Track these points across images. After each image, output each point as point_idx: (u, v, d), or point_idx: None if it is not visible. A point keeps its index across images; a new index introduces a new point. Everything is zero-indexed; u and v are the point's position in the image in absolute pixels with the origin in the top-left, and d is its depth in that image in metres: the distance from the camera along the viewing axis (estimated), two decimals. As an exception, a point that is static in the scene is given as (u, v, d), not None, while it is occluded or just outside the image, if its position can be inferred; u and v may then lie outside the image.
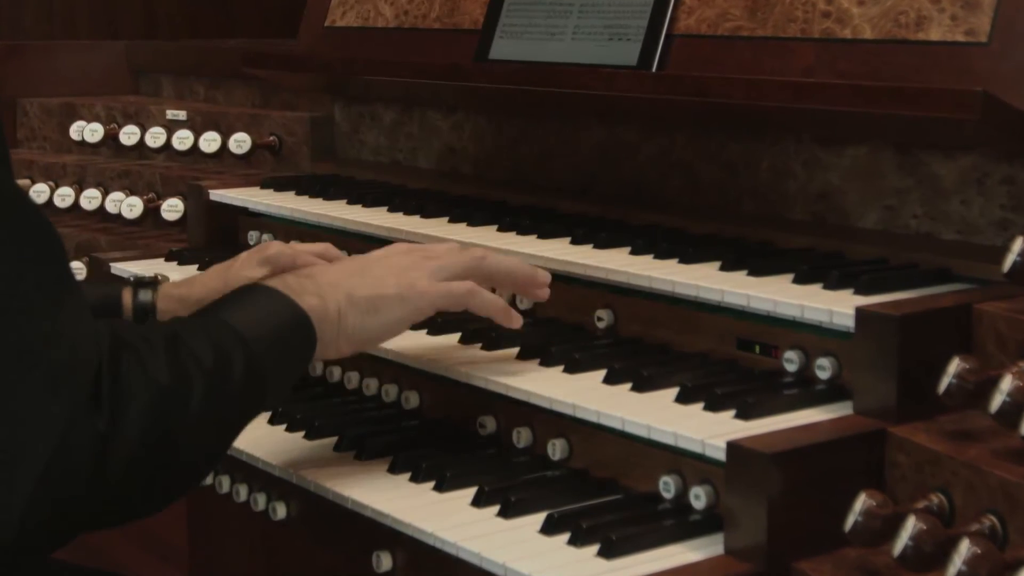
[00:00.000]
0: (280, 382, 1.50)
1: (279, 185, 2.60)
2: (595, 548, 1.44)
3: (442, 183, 2.52)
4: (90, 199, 3.09)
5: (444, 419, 1.87)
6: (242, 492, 1.83)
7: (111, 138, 3.27)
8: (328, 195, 2.47)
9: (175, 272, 2.41)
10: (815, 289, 1.69)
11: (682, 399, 1.60)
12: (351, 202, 2.40)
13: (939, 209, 1.88)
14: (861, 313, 1.55)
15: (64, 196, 3.12)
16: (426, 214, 2.24)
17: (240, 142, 3.01)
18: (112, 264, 2.52)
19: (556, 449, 1.70)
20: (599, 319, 1.89)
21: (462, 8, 2.50)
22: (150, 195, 3.02)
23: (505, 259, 1.74)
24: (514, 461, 1.71)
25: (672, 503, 1.56)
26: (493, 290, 1.77)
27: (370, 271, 1.63)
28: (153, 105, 3.32)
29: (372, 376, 1.98)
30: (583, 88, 2.15)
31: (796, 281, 1.72)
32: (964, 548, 1.22)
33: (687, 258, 1.85)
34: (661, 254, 1.88)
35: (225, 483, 1.86)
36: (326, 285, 1.57)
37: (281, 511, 1.78)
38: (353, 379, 2.01)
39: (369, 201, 2.38)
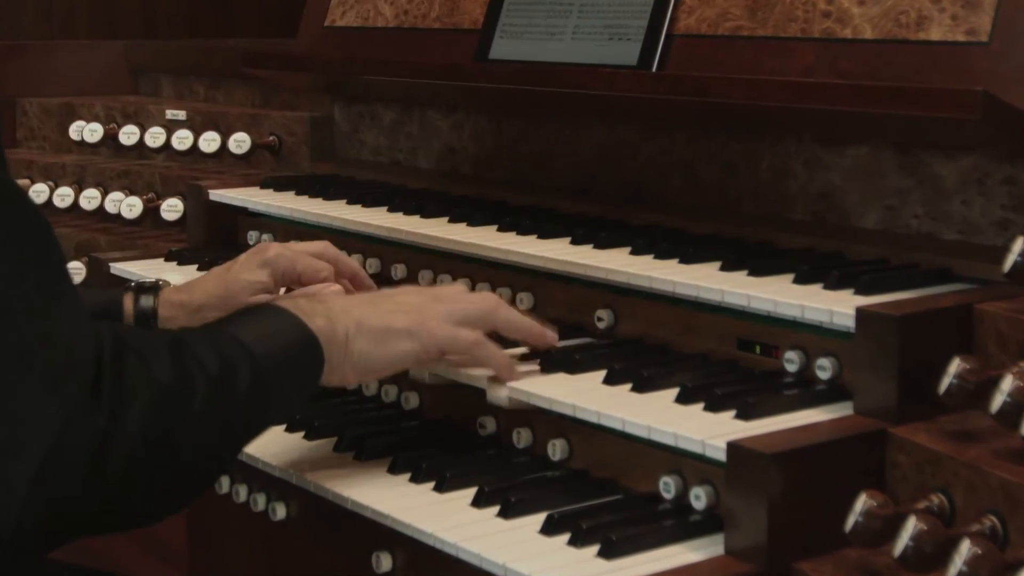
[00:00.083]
0: (285, 400, 1.50)
1: (279, 185, 2.60)
2: (595, 548, 1.44)
3: (442, 183, 2.52)
4: (89, 199, 3.09)
5: (444, 419, 1.87)
6: (242, 492, 1.83)
7: (110, 138, 3.27)
8: (328, 195, 2.46)
9: (175, 272, 2.41)
10: (815, 289, 1.69)
11: (682, 399, 1.60)
12: (351, 202, 2.40)
13: (940, 209, 1.88)
14: (862, 313, 1.55)
15: (63, 196, 3.12)
16: (426, 214, 2.24)
17: (240, 142, 3.00)
18: (112, 264, 2.52)
19: (556, 449, 1.70)
20: (599, 319, 1.89)
21: (462, 8, 2.50)
22: (150, 195, 3.02)
23: (516, 315, 1.72)
24: (514, 461, 1.71)
25: (672, 503, 1.55)
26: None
27: (381, 304, 1.63)
28: (153, 105, 3.31)
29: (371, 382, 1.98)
30: (583, 88, 2.15)
31: (796, 281, 1.72)
32: (965, 548, 1.22)
33: (687, 258, 1.85)
34: (661, 254, 1.88)
35: (225, 483, 1.86)
36: (337, 311, 1.57)
37: (281, 511, 1.78)
38: (352, 385, 2.01)
39: (369, 201, 2.37)
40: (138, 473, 1.27)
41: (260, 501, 1.80)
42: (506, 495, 1.56)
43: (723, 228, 2.03)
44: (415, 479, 1.65)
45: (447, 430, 1.83)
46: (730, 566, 1.42)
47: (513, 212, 2.20)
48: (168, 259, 2.50)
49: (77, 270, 2.85)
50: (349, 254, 2.28)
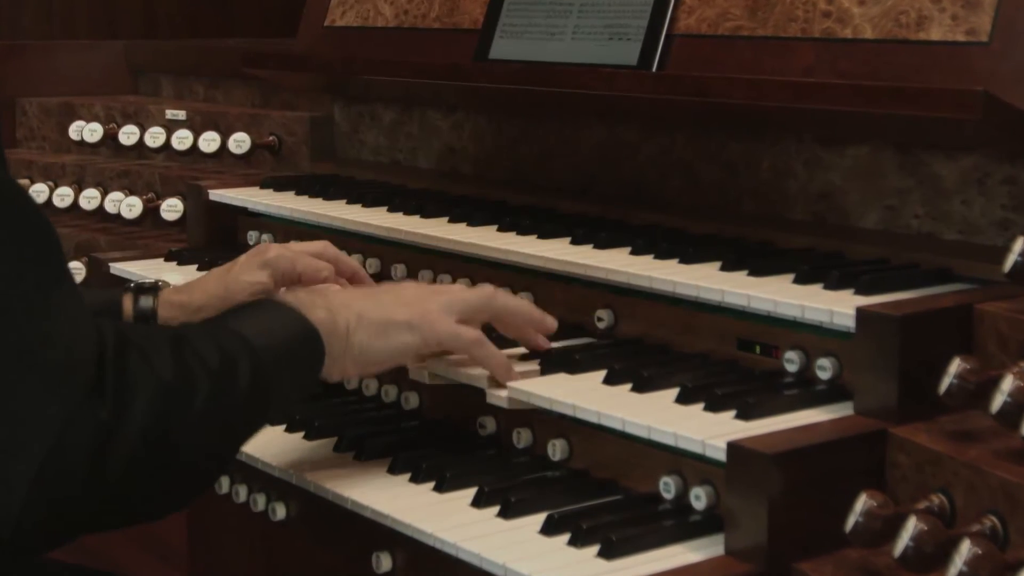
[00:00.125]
0: (286, 393, 1.50)
1: (279, 185, 2.60)
2: (595, 549, 1.44)
3: (442, 183, 2.52)
4: (89, 199, 3.09)
5: (444, 419, 1.87)
6: (242, 492, 1.83)
7: (110, 138, 3.27)
8: (328, 195, 2.46)
9: (175, 272, 2.41)
10: (816, 289, 1.68)
11: (682, 399, 1.60)
12: (351, 202, 2.40)
13: (940, 209, 1.88)
14: (862, 313, 1.55)
15: (63, 196, 3.12)
16: (426, 214, 2.24)
17: (239, 142, 3.00)
18: (111, 264, 2.52)
19: (556, 449, 1.70)
20: (599, 319, 1.89)
21: (462, 8, 2.50)
22: (149, 195, 3.02)
23: (515, 299, 1.74)
24: (514, 461, 1.71)
25: (672, 504, 1.55)
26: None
27: (381, 297, 1.64)
28: (152, 105, 3.31)
29: (372, 377, 1.98)
30: (583, 88, 2.15)
31: (797, 281, 1.72)
32: (965, 549, 1.22)
33: (687, 258, 1.85)
34: (661, 254, 1.88)
35: (225, 483, 1.86)
36: (337, 304, 1.57)
37: (281, 511, 1.78)
38: (353, 380, 2.01)
39: (369, 201, 2.37)
40: (140, 470, 1.27)
41: (260, 501, 1.80)
42: (506, 495, 1.55)
43: (723, 228, 2.03)
44: (415, 479, 1.65)
45: (447, 430, 1.83)
46: (730, 566, 1.42)
47: (513, 212, 2.20)
48: (168, 259, 2.50)
49: (77, 270, 2.84)
50: (349, 254, 2.28)
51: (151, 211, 2.99)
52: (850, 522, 1.32)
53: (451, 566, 1.48)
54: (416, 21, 2.60)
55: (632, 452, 1.62)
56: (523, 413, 1.72)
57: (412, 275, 2.17)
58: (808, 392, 1.60)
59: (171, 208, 2.95)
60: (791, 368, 1.66)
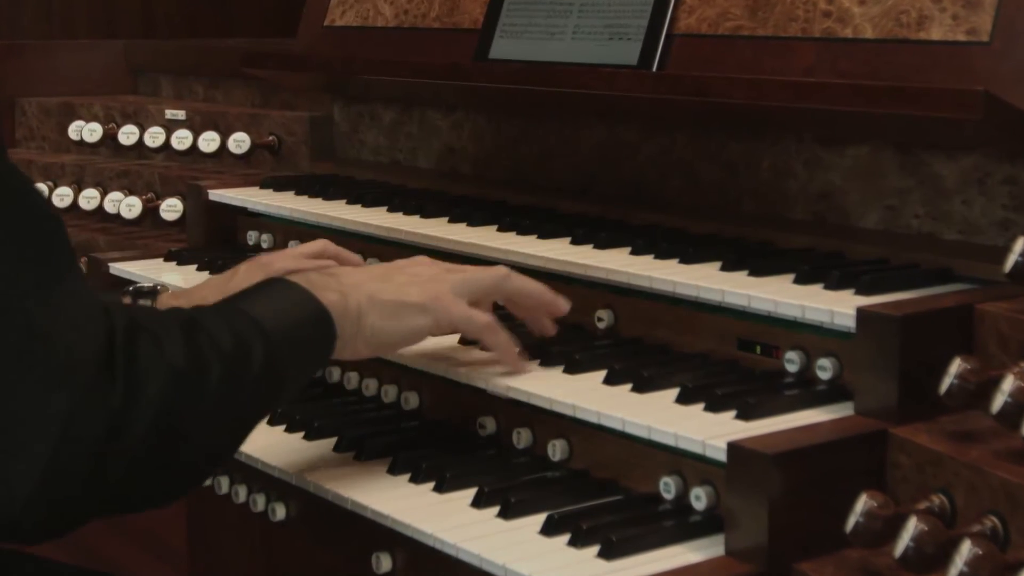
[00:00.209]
0: (298, 375, 1.50)
1: (278, 185, 2.60)
2: (595, 549, 1.44)
3: (442, 183, 2.52)
4: (89, 199, 3.09)
5: (444, 420, 1.86)
6: (241, 493, 1.83)
7: (110, 138, 3.26)
8: (327, 195, 2.46)
9: (174, 272, 2.41)
10: (816, 289, 1.68)
11: (683, 400, 1.59)
12: (350, 202, 2.40)
13: (940, 209, 1.88)
14: (862, 313, 1.55)
15: (62, 196, 3.12)
16: (426, 214, 2.24)
17: (239, 142, 3.00)
18: (111, 264, 2.52)
19: (556, 450, 1.69)
20: (599, 319, 1.88)
21: (462, 7, 2.50)
22: (149, 195, 3.02)
23: (528, 280, 1.74)
24: (514, 462, 1.71)
25: (673, 504, 1.55)
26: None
27: (393, 277, 1.62)
28: (152, 105, 3.31)
29: (372, 376, 1.98)
30: (583, 88, 2.15)
31: (797, 281, 1.72)
32: (965, 549, 1.22)
33: (687, 258, 1.85)
34: (661, 254, 1.88)
35: (224, 484, 1.86)
36: (348, 285, 1.56)
37: (280, 512, 1.77)
38: (353, 379, 2.01)
39: (368, 201, 2.37)
40: (152, 455, 1.26)
41: (260, 501, 1.79)
42: (506, 495, 1.55)
43: (723, 228, 2.03)
44: (415, 479, 1.64)
45: (447, 430, 1.83)
46: (730, 567, 1.42)
47: (513, 212, 2.20)
48: (167, 259, 2.50)
49: (76, 270, 2.84)
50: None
51: (150, 211, 2.99)
52: (850, 522, 1.32)
53: (451, 566, 1.48)
54: (416, 21, 2.59)
55: (632, 452, 1.61)
56: (523, 413, 1.72)
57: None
58: (808, 392, 1.60)
59: (171, 208, 2.94)
60: (791, 368, 1.65)
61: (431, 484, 1.63)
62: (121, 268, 2.48)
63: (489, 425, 1.79)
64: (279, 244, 2.50)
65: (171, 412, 1.27)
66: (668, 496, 1.56)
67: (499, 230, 2.10)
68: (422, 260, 1.71)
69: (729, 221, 2.06)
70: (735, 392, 1.58)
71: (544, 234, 2.04)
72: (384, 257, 2.22)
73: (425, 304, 1.60)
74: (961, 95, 1.65)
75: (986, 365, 1.41)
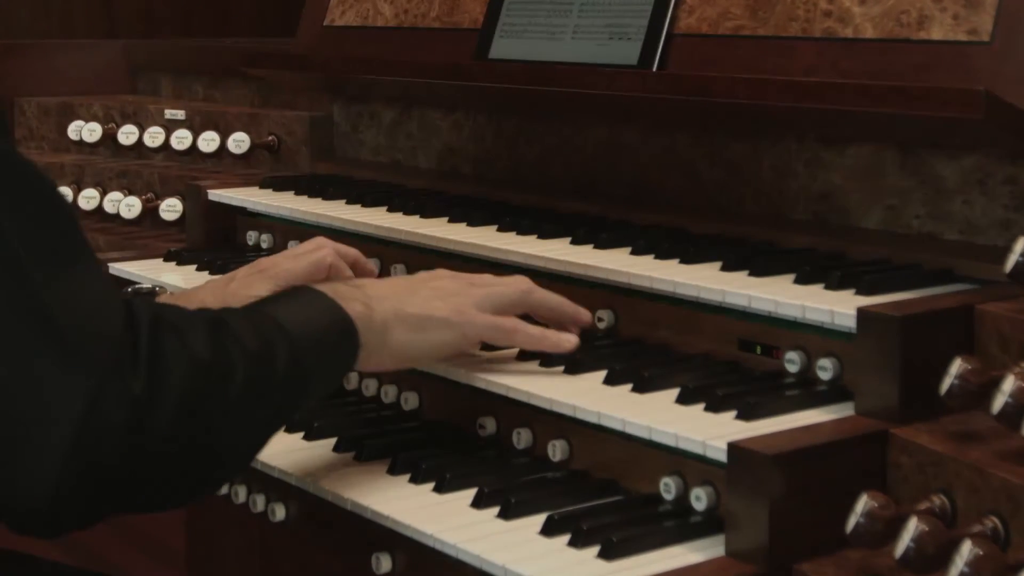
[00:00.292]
0: (321, 382, 1.50)
1: (278, 185, 2.59)
2: (596, 549, 1.44)
3: (442, 183, 2.51)
4: (88, 199, 3.08)
5: (444, 420, 1.86)
6: (241, 493, 1.82)
7: (109, 138, 3.26)
8: (327, 195, 2.46)
9: (174, 272, 2.41)
10: (817, 289, 1.68)
11: (683, 400, 1.59)
12: (350, 202, 2.40)
13: (941, 209, 1.88)
14: (863, 314, 1.55)
15: (62, 196, 3.11)
16: (425, 214, 2.23)
17: (239, 142, 3.00)
18: (110, 264, 2.51)
19: (556, 450, 1.69)
20: (600, 320, 1.88)
21: (462, 7, 2.50)
22: (148, 195, 3.01)
23: (550, 294, 1.75)
24: (514, 462, 1.71)
25: (673, 504, 1.55)
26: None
27: (418, 291, 1.63)
28: (151, 104, 3.31)
29: (371, 377, 1.97)
30: (583, 88, 2.15)
31: (798, 281, 1.71)
32: (966, 550, 1.22)
33: (688, 258, 1.84)
34: (662, 254, 1.88)
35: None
36: (374, 297, 1.57)
37: (280, 512, 1.77)
38: (352, 380, 2.01)
39: (368, 201, 2.37)
40: (175, 447, 1.26)
41: (259, 502, 1.79)
42: (506, 496, 1.55)
43: (724, 228, 2.03)
44: (415, 480, 1.64)
45: (447, 431, 1.83)
46: (731, 567, 1.41)
47: (513, 212, 2.20)
48: (167, 259, 2.50)
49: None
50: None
51: (150, 211, 2.98)
52: (851, 523, 1.32)
53: (451, 567, 1.48)
54: (416, 20, 2.59)
55: (633, 453, 1.61)
56: (523, 414, 1.72)
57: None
58: (809, 393, 1.60)
59: (170, 208, 2.94)
60: (792, 368, 1.65)
61: (431, 484, 1.62)
62: (120, 268, 2.47)
63: (489, 425, 1.79)
64: (279, 244, 2.50)
65: (194, 405, 1.26)
66: (668, 496, 1.55)
67: (499, 230, 2.10)
68: (444, 273, 1.73)
69: (730, 221, 2.05)
70: (736, 392, 1.58)
71: (544, 234, 2.04)
72: (384, 257, 2.22)
73: (449, 318, 1.61)
74: (962, 95, 1.65)
75: (987, 365, 1.41)
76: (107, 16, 4.38)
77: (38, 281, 1.21)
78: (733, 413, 1.54)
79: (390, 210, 2.31)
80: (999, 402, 1.33)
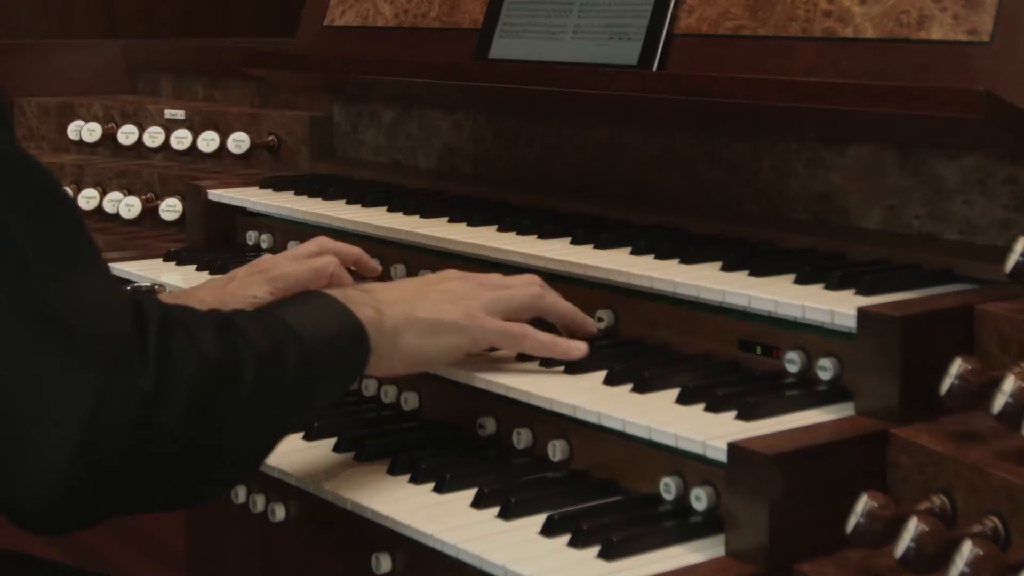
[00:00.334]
0: (330, 386, 1.50)
1: (278, 185, 2.59)
2: (596, 550, 1.44)
3: (442, 183, 2.51)
4: (88, 199, 3.08)
5: (444, 420, 1.86)
6: (241, 493, 1.82)
7: (109, 138, 3.26)
8: (327, 195, 2.46)
9: (173, 272, 2.41)
10: (817, 289, 1.68)
11: (683, 400, 1.59)
12: (350, 202, 2.39)
13: (941, 209, 1.87)
14: (863, 314, 1.55)
15: (62, 196, 3.11)
16: (425, 214, 2.23)
17: (239, 142, 3.00)
18: (110, 264, 2.51)
19: (556, 450, 1.69)
20: (600, 319, 1.88)
21: (462, 7, 2.50)
22: (148, 195, 3.01)
23: (561, 301, 1.75)
24: (514, 462, 1.71)
25: (673, 504, 1.55)
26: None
27: (428, 295, 1.64)
28: (151, 104, 3.31)
29: (371, 377, 1.97)
30: (584, 88, 2.15)
31: (798, 281, 1.71)
32: (966, 550, 1.22)
33: (688, 258, 1.84)
34: (662, 254, 1.87)
35: (224, 484, 1.85)
36: (385, 302, 1.58)
37: (280, 513, 1.77)
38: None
39: (368, 201, 2.37)
40: (182, 446, 1.26)
41: (259, 502, 1.79)
42: (506, 496, 1.55)
43: (724, 228, 2.03)
44: (415, 480, 1.64)
45: (447, 431, 1.83)
46: (731, 567, 1.41)
47: (513, 212, 2.20)
48: (167, 259, 2.50)
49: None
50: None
51: (150, 211, 2.98)
52: (851, 523, 1.32)
53: (451, 567, 1.48)
54: (416, 20, 2.59)
55: (633, 453, 1.61)
56: (523, 414, 1.72)
57: (412, 275, 2.16)
58: (809, 393, 1.60)
59: (170, 208, 2.94)
60: (792, 369, 1.65)
61: (431, 484, 1.62)
62: (120, 268, 2.47)
63: (489, 425, 1.79)
64: (278, 244, 2.49)
65: (203, 404, 1.26)
66: (668, 497, 1.55)
67: (499, 230, 2.10)
68: (453, 274, 1.73)
69: (730, 221, 2.05)
70: (736, 392, 1.58)
71: (544, 234, 2.04)
72: (384, 257, 2.22)
73: (460, 322, 1.62)
74: (962, 95, 1.64)
75: (987, 365, 1.41)
76: (107, 16, 4.38)
77: (44, 279, 1.20)
78: (733, 413, 1.54)
79: (390, 210, 2.31)
80: (999, 402, 1.33)
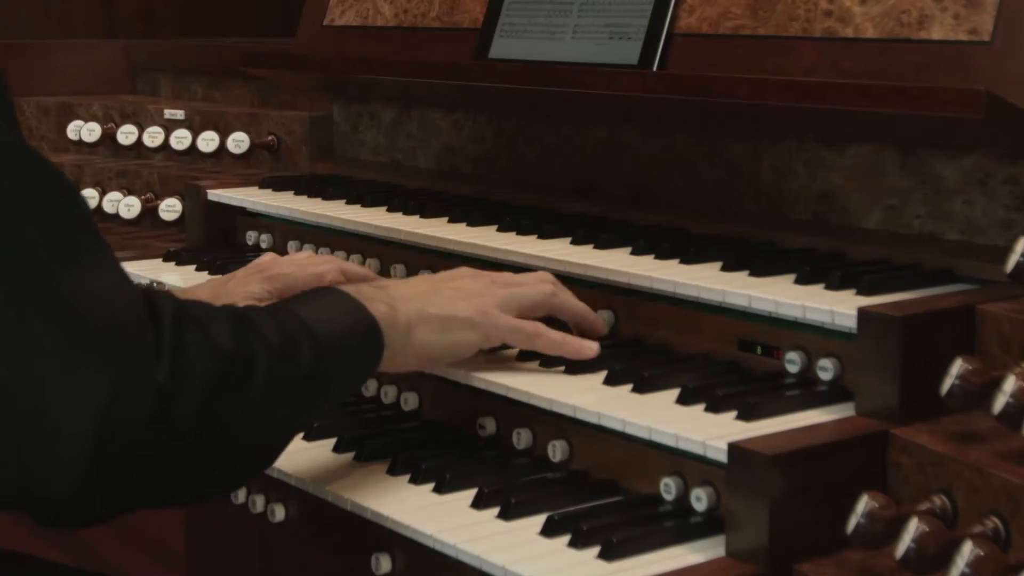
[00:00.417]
0: (344, 382, 1.50)
1: (278, 185, 2.59)
2: (596, 550, 1.43)
3: (441, 183, 2.51)
4: (87, 199, 3.08)
5: (444, 420, 1.86)
6: (240, 494, 1.82)
7: (108, 138, 3.26)
8: (327, 195, 2.46)
9: (173, 272, 2.41)
10: (817, 289, 1.68)
11: (683, 400, 1.59)
12: (350, 202, 2.39)
13: (942, 209, 1.87)
14: (863, 314, 1.54)
15: (62, 196, 3.11)
16: (425, 214, 2.23)
17: (238, 142, 3.00)
18: (110, 264, 2.51)
19: (556, 451, 1.69)
20: (599, 319, 1.88)
21: (462, 7, 2.50)
22: (148, 195, 3.01)
23: (573, 300, 1.76)
24: (514, 463, 1.71)
25: (673, 505, 1.55)
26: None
27: (441, 291, 1.64)
28: (151, 104, 3.31)
29: (371, 377, 1.97)
30: (584, 87, 2.15)
31: (798, 281, 1.71)
32: (967, 550, 1.21)
33: (688, 258, 1.84)
34: (662, 254, 1.87)
35: (223, 484, 1.85)
36: (398, 298, 1.58)
37: (280, 513, 1.77)
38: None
39: (368, 201, 2.37)
40: (196, 440, 1.25)
41: (259, 502, 1.79)
42: (506, 496, 1.55)
43: (724, 228, 2.02)
44: (415, 480, 1.64)
45: (447, 431, 1.83)
46: (731, 568, 1.41)
47: (513, 212, 2.19)
48: (166, 259, 2.50)
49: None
50: (348, 254, 2.28)
51: (149, 211, 2.98)
52: (851, 523, 1.32)
53: (451, 567, 1.48)
54: (416, 20, 2.59)
55: (633, 453, 1.61)
56: (523, 414, 1.72)
57: (412, 275, 2.16)
58: (809, 393, 1.60)
59: (169, 208, 2.94)
60: (792, 369, 1.65)
61: (431, 485, 1.62)
62: (120, 268, 2.47)
63: (489, 426, 1.78)
64: (278, 244, 2.49)
65: (217, 397, 1.26)
66: (669, 497, 1.55)
67: (499, 230, 2.10)
68: (466, 272, 1.73)
69: (730, 221, 2.05)
70: (736, 393, 1.58)
71: (544, 234, 2.03)
72: (384, 257, 2.22)
73: (473, 319, 1.62)
74: (962, 95, 1.64)
75: (988, 366, 1.41)
76: (107, 16, 4.38)
77: (55, 274, 1.20)
78: (733, 413, 1.54)
79: (390, 210, 2.30)
80: (1000, 402, 1.33)
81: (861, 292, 1.64)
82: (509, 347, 1.78)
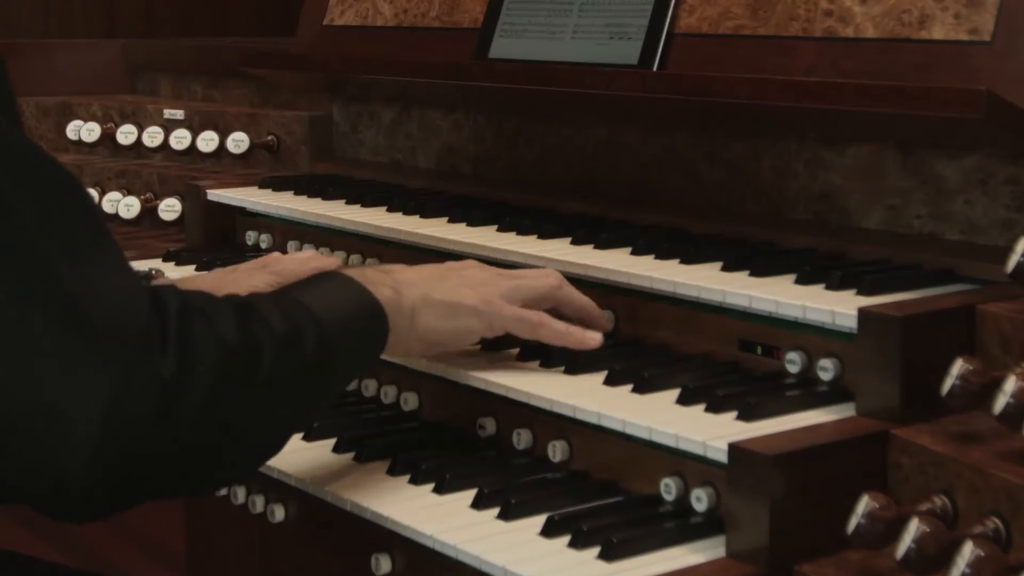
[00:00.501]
0: (349, 368, 1.51)
1: (277, 185, 2.59)
2: (596, 550, 1.43)
3: (441, 183, 2.51)
4: (88, 199, 3.08)
5: (443, 421, 1.86)
6: (240, 494, 1.82)
7: (108, 138, 3.26)
8: (327, 195, 2.46)
9: (173, 273, 2.40)
10: (817, 290, 1.68)
11: (683, 400, 1.59)
12: (350, 202, 2.39)
13: (943, 209, 1.87)
14: (864, 314, 1.54)
15: (61, 196, 3.11)
16: (425, 214, 2.23)
17: (238, 142, 3.00)
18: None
19: (556, 451, 1.69)
20: (600, 320, 1.88)
21: (462, 7, 2.49)
22: (147, 195, 3.01)
23: (577, 294, 1.76)
24: (514, 463, 1.70)
25: (673, 505, 1.55)
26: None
27: (448, 278, 1.65)
28: (150, 104, 3.30)
29: (371, 377, 1.97)
30: (584, 87, 2.14)
31: (798, 282, 1.71)
32: (967, 550, 1.21)
33: (688, 258, 1.84)
34: (662, 254, 1.87)
35: (223, 485, 1.85)
36: (403, 282, 1.59)
37: (279, 513, 1.77)
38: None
39: (368, 201, 2.37)
40: (204, 432, 1.25)
41: (259, 503, 1.79)
42: (506, 497, 1.55)
43: (724, 228, 2.02)
44: (415, 481, 1.64)
45: (447, 431, 1.83)
46: (731, 568, 1.41)
47: (513, 212, 2.19)
48: (166, 259, 2.49)
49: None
50: (348, 254, 2.28)
51: (149, 211, 2.98)
52: (852, 524, 1.32)
53: (451, 568, 1.47)
54: (416, 20, 2.59)
55: (633, 453, 1.61)
56: (523, 414, 1.72)
57: (411, 275, 2.16)
58: (810, 393, 1.60)
59: (169, 208, 2.94)
60: (793, 369, 1.65)
61: (431, 485, 1.62)
62: (120, 268, 2.47)
63: (489, 426, 1.78)
64: (278, 244, 2.49)
65: (224, 389, 1.26)
66: (669, 497, 1.55)
67: (499, 230, 2.10)
68: (473, 263, 1.74)
69: (730, 221, 2.05)
70: (736, 393, 1.58)
71: (544, 234, 2.03)
72: (383, 257, 2.22)
73: (477, 307, 1.63)
74: (963, 95, 1.64)
75: (988, 366, 1.41)
76: (107, 16, 4.38)
77: (58, 272, 1.20)
78: (733, 413, 1.54)
79: (390, 210, 2.30)
80: (1000, 402, 1.33)
81: (861, 292, 1.64)
82: (510, 345, 1.78)
